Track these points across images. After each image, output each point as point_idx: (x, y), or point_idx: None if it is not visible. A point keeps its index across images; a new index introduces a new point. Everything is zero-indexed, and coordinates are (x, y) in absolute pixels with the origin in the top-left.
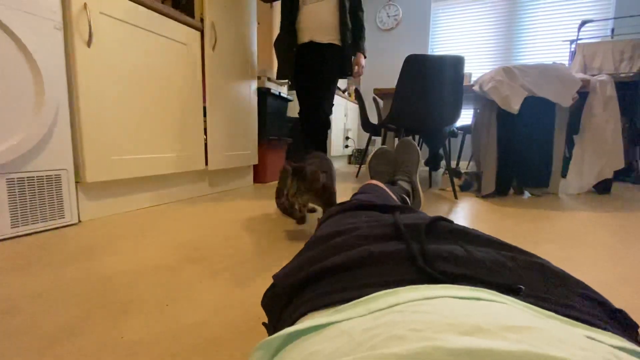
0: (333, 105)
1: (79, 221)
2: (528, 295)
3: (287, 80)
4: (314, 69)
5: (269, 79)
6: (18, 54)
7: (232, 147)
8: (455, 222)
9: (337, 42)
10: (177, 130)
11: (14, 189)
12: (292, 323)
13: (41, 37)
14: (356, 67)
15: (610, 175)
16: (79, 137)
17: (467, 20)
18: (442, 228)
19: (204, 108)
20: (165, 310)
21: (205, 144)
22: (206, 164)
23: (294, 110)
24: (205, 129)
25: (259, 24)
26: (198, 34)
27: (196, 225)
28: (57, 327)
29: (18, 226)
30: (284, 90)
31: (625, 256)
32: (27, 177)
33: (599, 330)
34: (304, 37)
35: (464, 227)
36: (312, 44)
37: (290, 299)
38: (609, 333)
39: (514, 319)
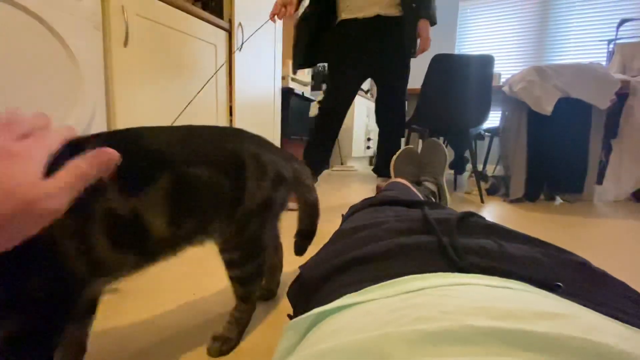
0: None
1: None
2: (566, 293)
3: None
4: (376, 53)
5: (293, 79)
6: (61, 52)
7: None
8: None
9: (398, 12)
10: None
11: None
12: None
13: (82, 36)
14: (420, 40)
15: None
16: None
17: (497, 18)
18: (474, 223)
19: (230, 107)
20: (194, 300)
21: None
22: None
23: (314, 111)
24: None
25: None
26: (226, 34)
27: None
28: None
29: None
30: (307, 90)
31: None
32: None
33: None
34: (362, 10)
35: (496, 223)
36: (378, 19)
37: (317, 289)
38: None
39: (549, 306)
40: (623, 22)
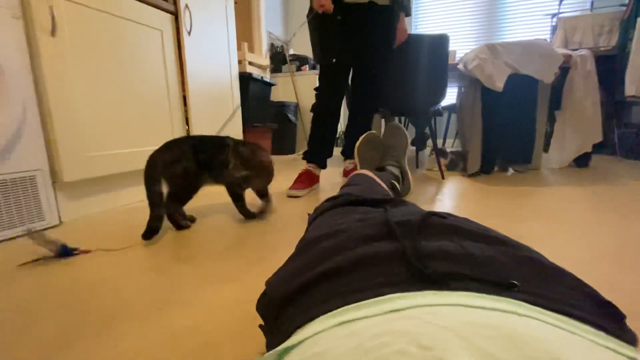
0: None
1: (60, 222)
2: (522, 291)
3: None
4: (364, 43)
5: (251, 63)
6: None
7: None
8: (444, 202)
9: (387, 1)
10: (157, 121)
11: None
12: (289, 335)
13: None
14: (398, 31)
15: (589, 149)
16: (51, 134)
17: None
18: (434, 223)
19: (184, 97)
20: (157, 315)
21: (188, 134)
22: None
23: (276, 94)
24: (187, 119)
25: (236, 3)
26: (172, 17)
27: None
28: (46, 339)
29: None
30: (266, 75)
31: (602, 232)
32: None
33: (610, 337)
34: None
35: (455, 220)
36: (364, 6)
37: (284, 308)
38: (622, 343)
39: (531, 345)
40: None
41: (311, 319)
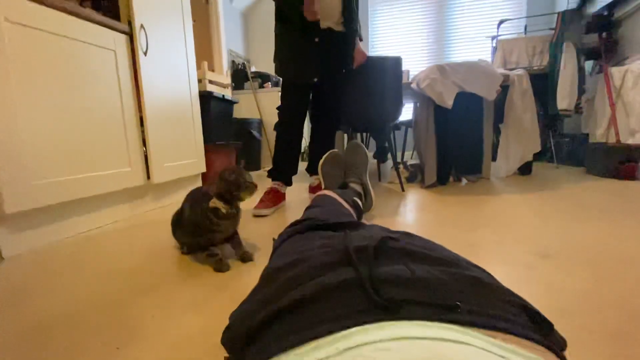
0: None
1: (1, 259)
2: (464, 311)
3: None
4: (331, 65)
5: (211, 82)
6: None
7: (177, 156)
8: (405, 215)
9: (342, 29)
10: (111, 144)
11: None
12: None
13: None
14: (356, 54)
15: (530, 158)
16: None
17: (403, 20)
18: (389, 248)
19: (141, 118)
20: (116, 355)
21: (146, 156)
22: (148, 177)
23: (240, 112)
24: (144, 140)
25: (194, 21)
26: (126, 37)
27: (142, 248)
28: None
29: None
30: (227, 93)
31: (546, 235)
32: None
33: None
34: (321, 24)
35: (408, 243)
36: (331, 33)
37: (249, 342)
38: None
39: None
40: (502, 21)
41: (273, 354)
